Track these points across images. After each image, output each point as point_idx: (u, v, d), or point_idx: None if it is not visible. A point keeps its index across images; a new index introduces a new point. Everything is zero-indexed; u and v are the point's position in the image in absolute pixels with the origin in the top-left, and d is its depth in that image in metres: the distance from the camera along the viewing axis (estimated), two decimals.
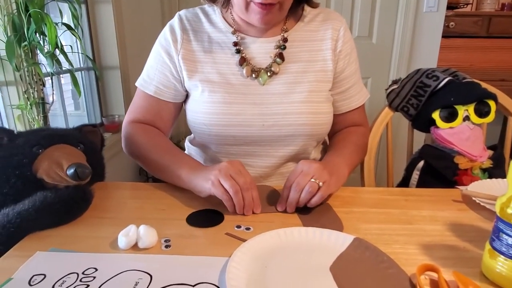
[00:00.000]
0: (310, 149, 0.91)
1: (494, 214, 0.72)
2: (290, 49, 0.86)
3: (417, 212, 0.74)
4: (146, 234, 0.59)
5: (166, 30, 0.88)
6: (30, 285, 0.50)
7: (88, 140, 0.82)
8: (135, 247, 0.59)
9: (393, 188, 0.87)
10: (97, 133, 0.90)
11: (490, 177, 0.91)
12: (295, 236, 0.63)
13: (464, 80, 0.97)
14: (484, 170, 0.92)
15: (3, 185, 0.69)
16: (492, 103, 0.93)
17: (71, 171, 0.68)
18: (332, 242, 0.61)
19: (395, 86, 1.05)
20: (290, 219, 0.70)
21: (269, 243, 0.60)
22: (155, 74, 0.87)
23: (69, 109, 1.83)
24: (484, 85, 1.01)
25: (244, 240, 0.62)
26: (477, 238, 0.64)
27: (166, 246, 0.60)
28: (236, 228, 0.66)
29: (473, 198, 0.76)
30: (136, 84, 0.89)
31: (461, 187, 0.83)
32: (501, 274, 0.52)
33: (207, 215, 0.71)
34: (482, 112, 0.94)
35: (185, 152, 1.04)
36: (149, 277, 0.52)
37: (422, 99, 0.98)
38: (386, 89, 1.09)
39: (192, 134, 0.95)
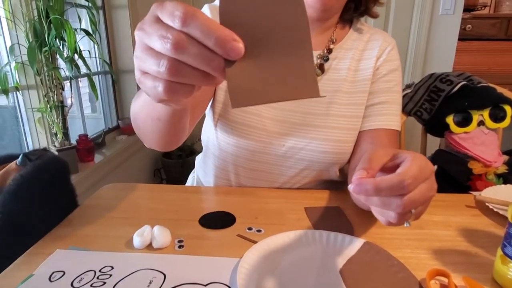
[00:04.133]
0: (333, 174, 0.86)
1: (507, 219, 0.71)
2: (332, 63, 0.80)
3: (429, 217, 0.74)
4: (160, 234, 0.61)
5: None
6: (50, 281, 0.53)
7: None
8: (149, 247, 0.61)
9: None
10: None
11: (505, 182, 0.90)
12: (306, 239, 0.63)
13: (479, 85, 0.96)
14: (499, 176, 0.91)
15: None
16: (508, 108, 0.92)
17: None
18: (342, 246, 0.62)
19: (408, 91, 1.05)
20: (301, 222, 0.71)
21: (279, 245, 0.61)
22: None
23: (86, 111, 1.88)
24: (500, 89, 1.00)
25: (255, 242, 0.63)
26: (489, 244, 0.64)
27: (180, 247, 0.62)
28: (247, 230, 0.67)
29: (487, 204, 0.75)
30: None
31: (474, 193, 0.83)
32: None
33: (219, 217, 0.72)
34: (497, 116, 0.93)
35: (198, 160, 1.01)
36: (162, 276, 0.54)
37: (435, 103, 0.97)
38: None
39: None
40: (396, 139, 0.79)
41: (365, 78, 0.80)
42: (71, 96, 1.43)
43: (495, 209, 0.73)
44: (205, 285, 0.52)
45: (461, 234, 0.68)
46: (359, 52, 0.82)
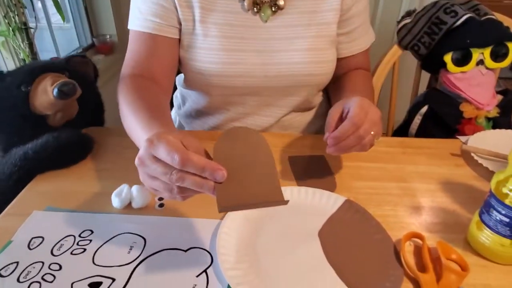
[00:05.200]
0: (311, 98, 0.87)
1: (490, 172, 0.72)
2: None
3: (413, 167, 0.73)
4: (139, 194, 0.60)
5: None
6: (30, 248, 0.52)
7: (77, 71, 0.81)
8: (129, 207, 0.60)
9: (392, 139, 0.85)
10: (88, 63, 0.87)
11: (496, 125, 0.89)
12: (287, 196, 0.63)
13: (484, 17, 0.87)
14: (489, 119, 0.89)
15: (8, 128, 0.74)
16: (511, 46, 0.85)
17: (55, 91, 0.70)
18: (323, 203, 0.62)
19: (407, 20, 0.95)
20: (285, 174, 0.70)
21: None
22: (148, 6, 0.73)
23: (55, 20, 1.70)
24: (507, 22, 0.91)
25: None
26: (468, 201, 0.65)
27: (160, 205, 0.61)
28: None
29: (472, 154, 0.75)
30: (128, 27, 0.76)
31: (461, 138, 0.81)
32: (484, 245, 0.53)
33: None
34: (498, 54, 0.87)
35: (177, 95, 0.99)
36: (143, 240, 0.54)
37: (435, 37, 0.89)
38: (398, 22, 0.99)
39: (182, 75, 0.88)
40: (368, 52, 0.87)
41: (331, 8, 0.76)
42: (35, 17, 1.28)
43: (479, 161, 0.72)
44: (185, 251, 0.53)
45: (442, 188, 0.68)
46: None
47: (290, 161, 0.74)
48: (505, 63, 0.87)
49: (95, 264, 0.50)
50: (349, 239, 0.56)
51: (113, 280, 0.48)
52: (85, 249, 0.53)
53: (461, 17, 0.86)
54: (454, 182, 0.70)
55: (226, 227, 0.56)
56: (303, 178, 0.69)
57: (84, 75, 0.83)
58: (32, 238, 0.54)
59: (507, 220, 0.49)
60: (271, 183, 0.45)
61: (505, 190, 0.49)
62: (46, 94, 0.70)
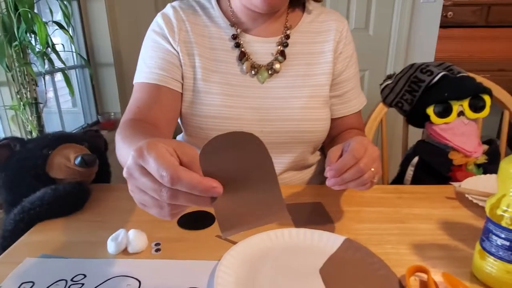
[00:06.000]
0: (307, 156, 0.90)
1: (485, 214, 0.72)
2: (292, 49, 0.83)
3: (409, 210, 0.74)
4: (135, 238, 0.59)
5: (158, 19, 0.81)
6: None
7: (93, 142, 0.85)
8: (125, 252, 0.59)
9: (387, 186, 0.87)
10: (100, 136, 0.93)
11: (485, 172, 0.91)
12: (286, 238, 0.62)
13: (458, 75, 0.95)
14: (478, 166, 0.91)
15: (20, 186, 0.75)
16: (487, 98, 0.92)
17: (78, 159, 0.74)
18: (322, 243, 0.61)
19: (389, 82, 1.04)
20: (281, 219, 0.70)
21: (259, 245, 0.60)
22: (154, 61, 0.78)
23: (65, 106, 1.82)
24: (479, 79, 1.00)
25: (234, 243, 0.61)
26: (469, 237, 0.64)
27: (157, 250, 0.60)
28: None
29: (466, 195, 0.76)
30: (134, 81, 0.81)
31: (455, 183, 0.83)
32: (490, 274, 0.51)
33: (198, 217, 0.70)
34: (477, 106, 0.93)
35: None
36: (137, 283, 0.52)
37: (416, 94, 0.97)
38: (381, 84, 1.08)
39: (182, 134, 0.93)
40: (361, 114, 0.93)
41: (326, 61, 0.84)
42: (45, 92, 1.38)
43: (474, 201, 0.73)
44: None
45: (441, 227, 0.68)
46: (315, 34, 0.86)
47: (288, 209, 0.74)
48: (484, 114, 0.93)
49: None
50: (352, 276, 0.54)
51: None
52: None
53: (436, 75, 0.94)
54: (452, 222, 0.69)
55: (224, 266, 0.54)
56: (302, 223, 0.68)
57: (98, 146, 0.89)
58: (22, 283, 0.52)
59: (507, 243, 0.49)
60: (273, 197, 0.42)
61: (499, 212, 0.50)
62: (67, 160, 0.75)
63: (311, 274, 0.54)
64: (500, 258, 0.50)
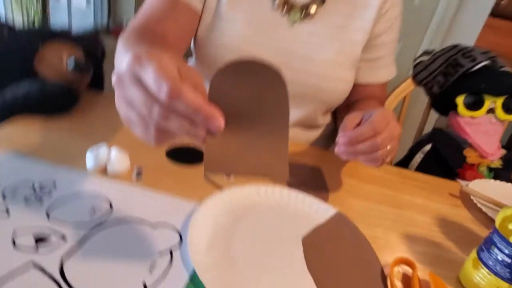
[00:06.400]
0: (318, 116, 0.84)
1: (488, 218, 0.68)
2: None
3: (410, 197, 0.69)
4: (117, 158, 0.55)
5: None
6: None
7: (90, 45, 0.78)
8: (103, 171, 0.55)
9: (391, 167, 0.82)
10: (99, 42, 0.86)
11: (496, 178, 0.86)
12: (276, 196, 0.58)
13: (501, 69, 0.86)
14: (491, 169, 0.86)
15: (5, 77, 0.68)
16: None
17: (71, 61, 0.67)
18: (312, 211, 0.57)
19: (425, 58, 0.95)
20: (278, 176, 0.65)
21: (245, 198, 0.56)
22: None
23: (77, 2, 1.69)
24: None
25: (221, 188, 0.57)
26: (463, 240, 0.60)
27: (138, 175, 0.56)
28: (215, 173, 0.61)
29: (472, 197, 0.71)
30: None
31: (461, 182, 0.78)
32: (478, 285, 0.48)
33: (190, 152, 0.66)
34: (509, 107, 0.85)
35: None
36: (108, 206, 0.48)
37: (450, 78, 0.88)
38: (415, 59, 0.98)
39: (193, 59, 0.85)
40: (386, 86, 0.86)
41: (367, 17, 0.75)
42: None
43: (478, 204, 0.68)
44: (153, 227, 0.47)
45: (437, 223, 0.64)
46: None
47: None
48: None
49: (48, 217, 0.44)
50: (335, 252, 0.51)
51: (64, 238, 0.42)
52: (41, 200, 0.46)
53: (478, 63, 0.85)
54: (450, 220, 0.65)
55: (204, 211, 0.50)
56: (295, 185, 0.64)
57: (95, 52, 0.81)
58: None
59: (509, 260, 0.45)
60: (277, 150, 0.35)
61: (511, 227, 0.45)
62: (59, 60, 0.68)
63: (291, 241, 0.51)
64: (495, 273, 0.46)
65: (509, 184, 0.79)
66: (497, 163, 0.85)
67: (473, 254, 0.50)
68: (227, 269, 0.43)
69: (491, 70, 0.85)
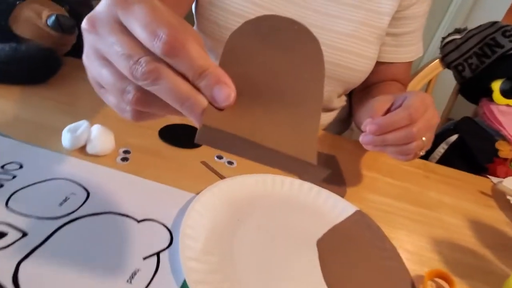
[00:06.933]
0: (334, 98, 0.74)
1: None
2: None
3: (437, 195, 0.61)
4: (99, 136, 0.46)
5: None
6: None
7: (76, 5, 0.68)
8: (82, 151, 0.46)
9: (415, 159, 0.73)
10: (88, 3, 0.75)
11: None
12: (286, 189, 0.50)
13: None
14: None
15: None
16: None
17: (52, 19, 0.58)
18: (327, 208, 0.49)
19: (457, 36, 0.84)
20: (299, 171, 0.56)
21: (251, 189, 0.48)
22: None
23: None
24: None
25: (222, 177, 0.49)
26: (501, 248, 0.52)
27: (123, 159, 0.47)
28: (216, 159, 0.52)
29: (508, 197, 0.62)
30: None
31: (493, 178, 0.69)
32: None
33: (187, 132, 0.57)
34: None
35: None
36: (85, 194, 0.40)
37: (486, 60, 0.78)
38: (444, 38, 0.87)
39: (194, 28, 0.75)
40: (411, 67, 0.77)
41: None
42: None
43: None
44: (138, 221, 0.39)
45: (470, 226, 0.55)
46: None
47: None
48: None
49: (8, 207, 0.36)
50: (355, 258, 0.43)
51: (24, 234, 0.34)
52: (2, 185, 0.38)
53: None
54: (483, 223, 0.57)
55: (201, 204, 0.42)
56: (307, 176, 0.55)
57: (81, 13, 0.71)
58: None
59: None
60: (305, 127, 0.25)
61: None
62: (38, 16, 0.58)
63: (304, 243, 0.42)
64: None
65: None
66: None
67: None
68: (226, 278, 0.35)
69: None
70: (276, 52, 0.27)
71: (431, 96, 0.48)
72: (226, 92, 0.22)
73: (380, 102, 0.48)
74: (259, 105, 0.24)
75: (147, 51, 0.22)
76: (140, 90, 0.23)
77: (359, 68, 0.67)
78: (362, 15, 0.64)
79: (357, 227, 0.47)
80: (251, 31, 0.27)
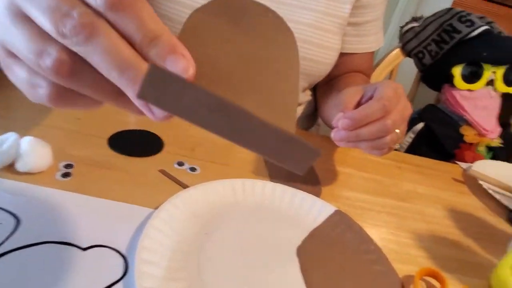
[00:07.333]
0: (299, 92, 0.70)
1: (502, 206, 0.59)
2: None
3: (412, 186, 0.58)
4: (31, 150, 0.38)
5: None
6: None
7: None
8: (11, 169, 0.38)
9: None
10: None
11: (495, 158, 0.77)
12: (257, 194, 0.44)
13: (502, 35, 0.77)
14: (490, 149, 0.77)
15: None
16: None
17: None
18: (305, 210, 0.44)
19: (415, 24, 0.83)
20: (252, 164, 0.51)
21: (218, 197, 0.42)
22: None
23: None
24: None
25: (184, 186, 0.43)
26: (483, 237, 0.50)
27: (65, 175, 0.40)
28: (176, 166, 0.46)
29: (480, 182, 0.61)
30: None
31: (462, 164, 0.69)
32: None
33: (141, 139, 0.50)
34: (509, 79, 0.76)
35: None
36: (14, 222, 0.32)
37: (445, 47, 0.78)
38: (402, 27, 0.87)
39: None
40: (373, 57, 0.75)
41: None
42: None
43: (490, 191, 0.59)
44: (84, 249, 0.32)
45: (449, 216, 0.53)
46: None
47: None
48: None
49: None
50: (339, 265, 0.38)
51: None
52: None
53: (478, 28, 0.75)
54: (462, 212, 0.55)
55: (161, 220, 0.36)
56: (278, 176, 0.51)
57: None
58: None
59: None
60: (282, 106, 0.22)
61: None
62: None
63: (284, 253, 0.38)
64: None
65: None
66: (496, 142, 0.77)
67: (510, 258, 0.40)
68: None
69: (491, 36, 0.75)
70: (246, 38, 0.23)
71: (402, 86, 0.45)
72: (183, 65, 0.17)
73: (349, 95, 0.45)
74: (222, 93, 0.19)
75: (82, 2, 0.17)
76: (66, 51, 0.17)
77: (323, 60, 0.64)
78: (324, 4, 0.61)
79: (338, 229, 0.43)
80: (219, 11, 0.22)
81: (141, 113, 0.20)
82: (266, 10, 0.24)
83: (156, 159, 0.46)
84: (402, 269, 0.40)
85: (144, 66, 0.17)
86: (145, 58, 0.17)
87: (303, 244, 0.39)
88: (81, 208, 0.36)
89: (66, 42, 0.17)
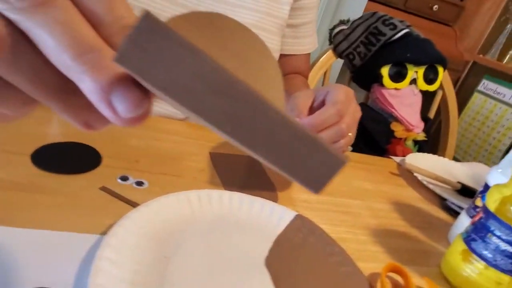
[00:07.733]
0: None
1: (435, 196, 0.64)
2: None
3: (359, 182, 0.60)
4: None
5: None
6: None
7: None
8: None
9: None
10: None
11: (420, 150, 0.84)
12: (214, 205, 0.41)
13: (420, 37, 0.84)
14: (415, 142, 0.84)
15: None
16: (441, 70, 0.84)
17: None
18: (265, 218, 0.42)
19: (344, 27, 0.87)
20: (204, 174, 0.48)
21: (174, 213, 0.38)
22: None
23: None
24: None
25: (133, 204, 0.38)
26: (425, 226, 0.54)
27: None
28: (119, 181, 0.41)
29: (415, 174, 0.66)
30: None
31: (395, 158, 0.73)
32: (473, 281, 0.40)
33: (72, 153, 0.43)
34: (428, 77, 0.84)
35: None
36: None
37: (372, 48, 0.83)
38: (331, 29, 0.90)
39: None
40: (309, 58, 0.77)
41: None
42: None
43: (425, 182, 0.63)
44: None
45: (395, 209, 0.56)
46: None
47: (212, 159, 0.53)
48: (434, 87, 0.85)
49: None
50: (308, 271, 0.37)
51: None
52: None
53: (400, 31, 0.81)
54: (403, 204, 0.59)
55: (110, 249, 0.30)
56: (232, 184, 0.48)
57: None
58: None
59: None
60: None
61: None
62: None
63: (252, 266, 0.35)
64: (495, 266, 0.39)
65: (437, 157, 0.77)
66: (421, 136, 0.84)
67: (460, 244, 0.42)
68: None
69: (412, 38, 0.82)
70: (225, 52, 0.19)
71: (352, 90, 0.46)
72: None
73: (301, 99, 0.45)
74: None
75: None
76: (7, 24, 0.12)
77: None
78: (265, 4, 0.60)
79: (301, 234, 0.42)
80: (200, 24, 0.19)
81: (86, 124, 0.15)
82: (244, 29, 0.21)
83: (94, 175, 0.40)
84: (365, 267, 0.40)
85: (108, 52, 0.13)
86: (110, 45, 0.13)
87: (270, 254, 0.37)
88: (10, 245, 0.29)
89: (2, 6, 0.12)
